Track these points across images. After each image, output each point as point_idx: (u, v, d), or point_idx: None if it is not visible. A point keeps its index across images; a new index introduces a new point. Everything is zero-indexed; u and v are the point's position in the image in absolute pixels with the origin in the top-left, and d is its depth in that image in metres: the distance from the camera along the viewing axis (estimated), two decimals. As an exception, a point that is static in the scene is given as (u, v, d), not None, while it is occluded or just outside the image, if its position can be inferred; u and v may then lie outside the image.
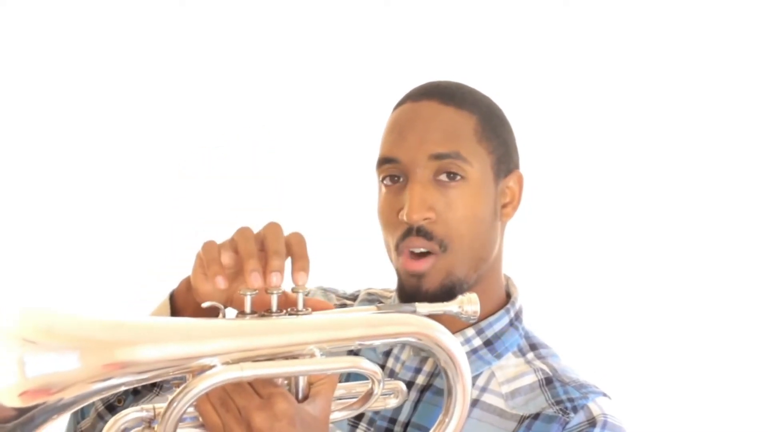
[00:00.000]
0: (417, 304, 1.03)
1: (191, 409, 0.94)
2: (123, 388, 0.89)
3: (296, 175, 2.63)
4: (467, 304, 1.05)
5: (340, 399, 1.02)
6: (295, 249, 0.98)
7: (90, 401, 0.88)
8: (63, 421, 1.22)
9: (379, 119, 1.35)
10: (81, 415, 1.19)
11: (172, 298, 1.10)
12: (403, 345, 1.32)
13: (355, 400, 1.02)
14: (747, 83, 2.65)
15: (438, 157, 1.23)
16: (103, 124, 2.64)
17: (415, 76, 1.41)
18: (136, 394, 1.16)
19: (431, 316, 1.02)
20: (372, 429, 1.27)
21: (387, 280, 1.39)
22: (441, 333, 0.99)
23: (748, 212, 2.67)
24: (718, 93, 2.65)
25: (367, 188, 1.47)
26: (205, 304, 0.97)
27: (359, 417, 1.28)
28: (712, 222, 2.67)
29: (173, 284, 1.12)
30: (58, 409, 0.85)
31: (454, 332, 1.17)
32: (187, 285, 1.07)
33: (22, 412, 0.83)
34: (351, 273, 1.69)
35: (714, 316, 2.65)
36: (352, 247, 2.38)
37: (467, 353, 1.26)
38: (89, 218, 2.61)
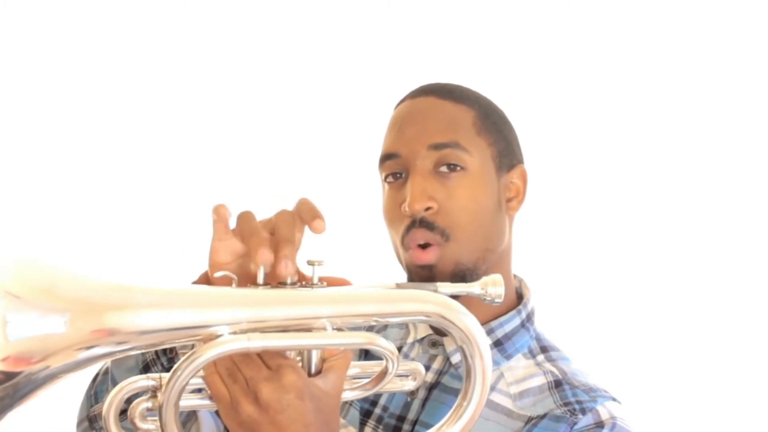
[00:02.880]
0: (438, 283, 0.99)
1: (199, 381, 0.91)
2: (122, 355, 0.86)
3: (296, 174, 2.61)
4: (491, 285, 1.00)
5: (354, 378, 0.99)
6: (305, 212, 0.98)
7: (84, 369, 0.83)
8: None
9: (381, 121, 1.34)
10: (95, 398, 1.17)
11: None
12: (413, 343, 1.30)
13: (369, 379, 0.98)
14: (749, 82, 2.64)
15: (437, 147, 1.22)
16: (103, 124, 2.63)
17: (417, 78, 1.40)
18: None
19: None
20: (381, 427, 1.24)
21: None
22: (461, 313, 0.95)
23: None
24: (720, 85, 2.65)
25: (369, 192, 1.46)
26: (217, 274, 0.93)
27: (368, 414, 1.26)
28: (721, 220, 2.65)
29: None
30: (42, 379, 0.80)
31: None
32: (205, 280, 1.04)
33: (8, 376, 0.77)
34: (354, 275, 1.66)
35: (730, 320, 2.61)
36: (354, 250, 2.35)
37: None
38: (87, 219, 2.59)
